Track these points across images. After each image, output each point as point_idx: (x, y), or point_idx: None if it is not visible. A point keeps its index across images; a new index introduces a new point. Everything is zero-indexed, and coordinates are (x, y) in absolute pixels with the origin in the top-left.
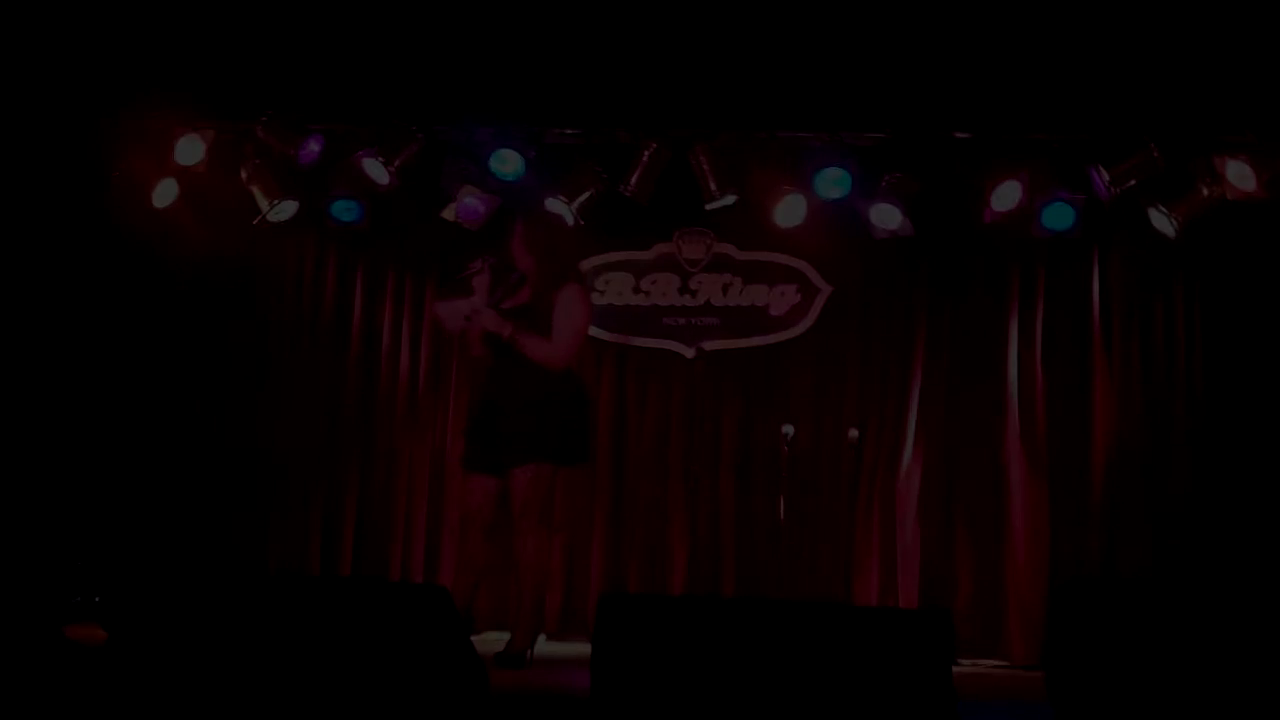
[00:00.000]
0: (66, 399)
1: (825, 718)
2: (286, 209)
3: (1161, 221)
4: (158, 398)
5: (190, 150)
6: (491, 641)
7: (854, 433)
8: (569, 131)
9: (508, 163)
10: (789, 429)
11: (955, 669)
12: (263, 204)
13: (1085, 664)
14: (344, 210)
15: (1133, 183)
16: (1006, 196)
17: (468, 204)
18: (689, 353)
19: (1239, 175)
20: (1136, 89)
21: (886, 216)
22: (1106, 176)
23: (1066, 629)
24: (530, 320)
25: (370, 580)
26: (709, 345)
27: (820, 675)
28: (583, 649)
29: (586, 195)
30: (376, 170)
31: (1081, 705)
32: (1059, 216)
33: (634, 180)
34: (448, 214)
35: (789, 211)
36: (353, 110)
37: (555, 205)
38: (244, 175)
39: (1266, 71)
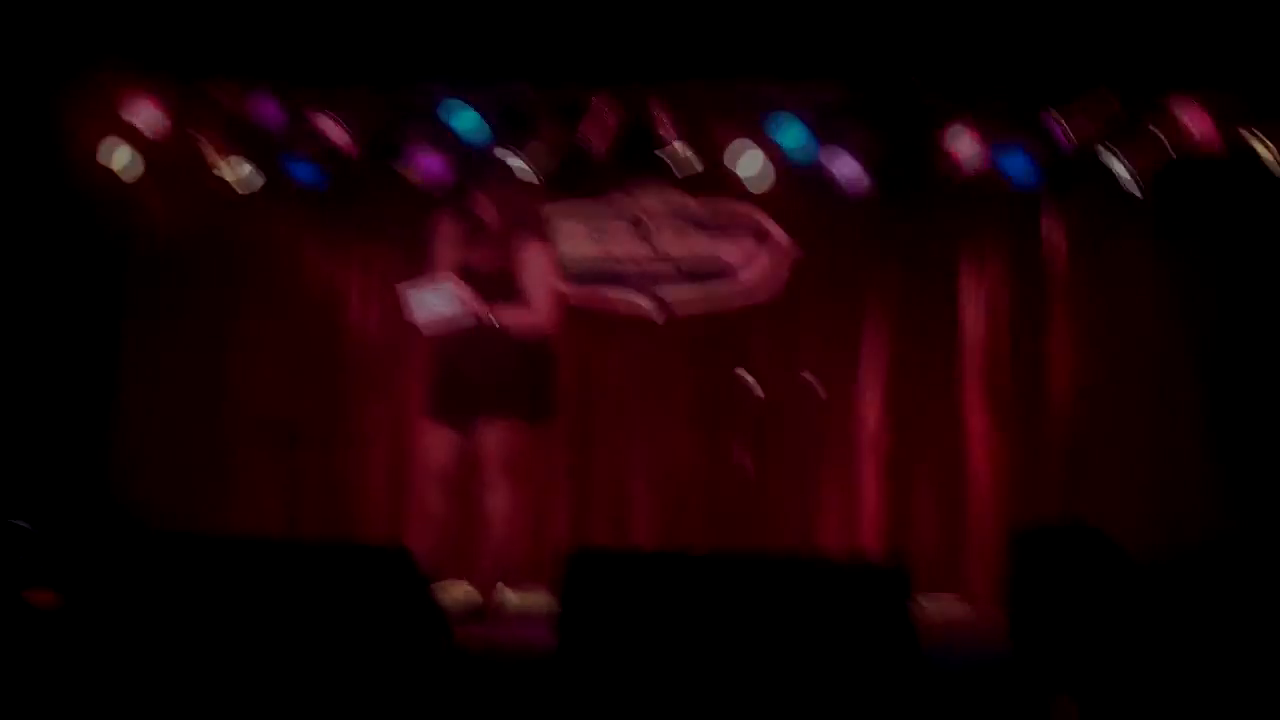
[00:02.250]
0: (31, 363)
1: (793, 669)
2: (245, 171)
3: (1119, 168)
4: (121, 362)
5: (145, 114)
6: (451, 591)
7: (810, 378)
8: (527, 87)
9: (466, 121)
10: (746, 375)
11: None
12: (220, 166)
13: (1046, 610)
14: (303, 172)
15: (1090, 131)
16: (963, 146)
17: (427, 163)
18: (647, 303)
19: (1196, 124)
20: (1095, 39)
21: (844, 168)
22: (1064, 124)
23: (1027, 575)
24: (498, 281)
25: (334, 543)
26: (667, 296)
27: (785, 627)
28: (546, 601)
29: (544, 152)
30: (336, 131)
31: (1040, 648)
32: (1018, 167)
33: (591, 135)
34: (408, 174)
35: (746, 162)
36: (312, 72)
37: (512, 161)
38: (200, 138)
39: (1226, 20)
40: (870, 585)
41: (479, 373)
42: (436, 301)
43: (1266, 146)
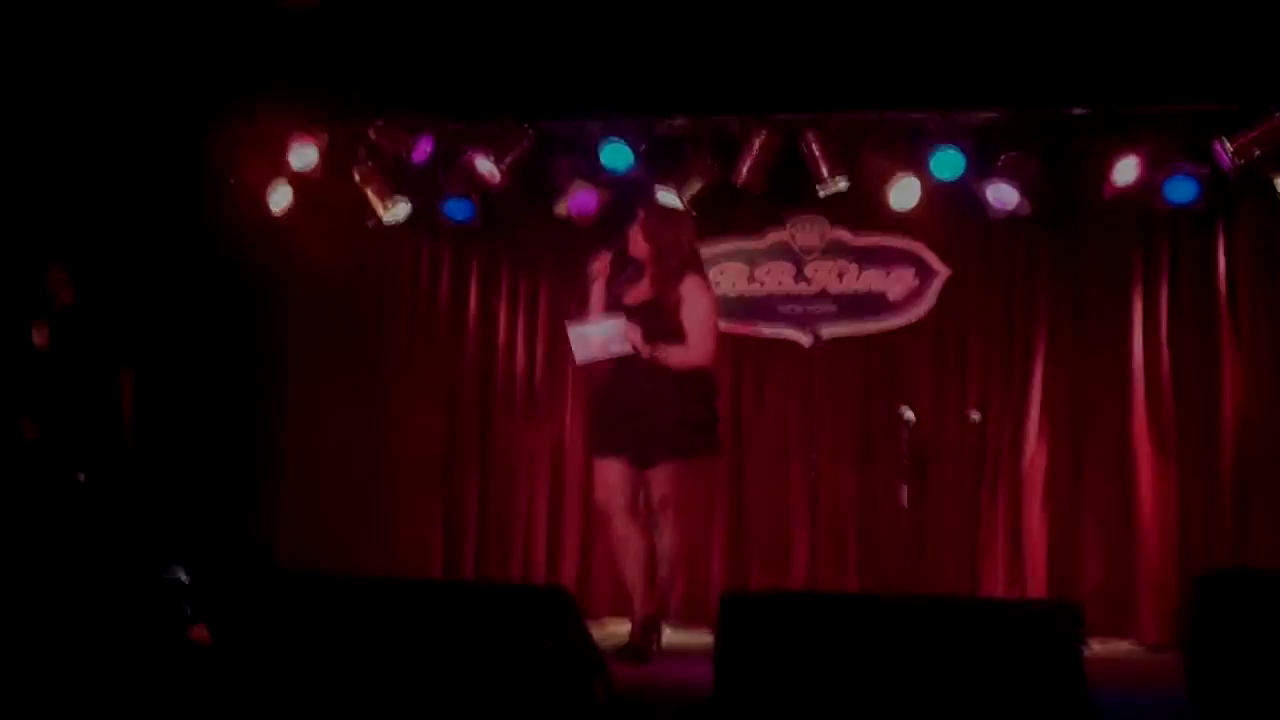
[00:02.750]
0: (193, 406)
1: (956, 713)
2: (400, 210)
3: None
4: (279, 402)
5: (304, 155)
6: (611, 635)
7: (975, 415)
8: (678, 122)
9: (618, 156)
10: (910, 415)
11: (1086, 653)
12: (377, 206)
13: (1226, 656)
14: (457, 209)
15: (1258, 153)
16: (1127, 171)
17: (579, 199)
18: (806, 341)
19: None
20: (1259, 57)
21: (1004, 196)
22: (1230, 147)
23: (1207, 620)
24: (655, 317)
25: (491, 584)
26: (826, 332)
27: (949, 671)
28: (704, 640)
29: (698, 185)
30: (488, 168)
31: (1222, 698)
32: (1182, 190)
33: (745, 169)
34: (560, 209)
35: (903, 194)
36: (463, 108)
37: (667, 197)
38: (357, 177)
39: None
40: (1038, 626)
41: (645, 410)
42: (601, 337)
43: None
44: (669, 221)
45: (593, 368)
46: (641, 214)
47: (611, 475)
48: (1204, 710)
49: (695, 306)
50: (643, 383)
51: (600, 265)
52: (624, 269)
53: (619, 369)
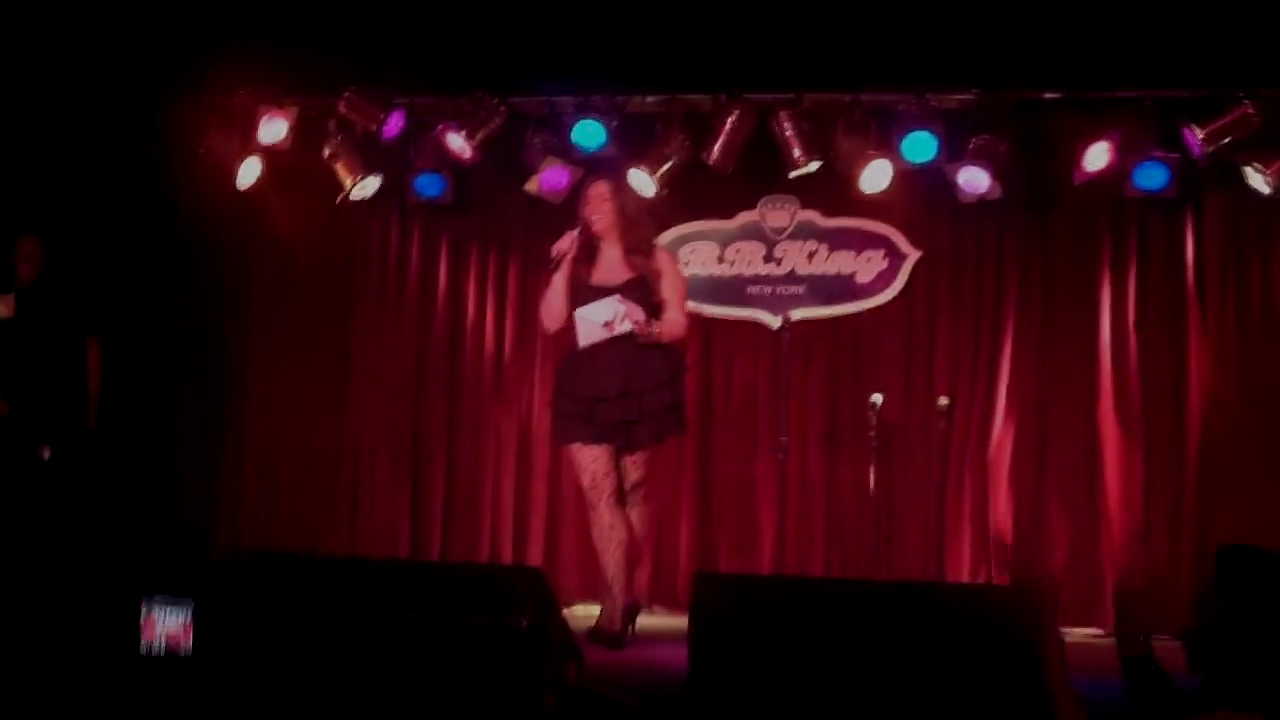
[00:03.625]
0: (154, 384)
1: (925, 696)
2: (370, 185)
3: (1257, 180)
4: (243, 379)
5: (274, 128)
6: (581, 617)
7: (943, 400)
8: (650, 99)
9: (590, 134)
10: (877, 398)
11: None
12: (346, 181)
13: (1239, 632)
14: (427, 184)
15: (1227, 141)
16: (1097, 157)
17: (551, 176)
18: (775, 322)
19: None
20: (1229, 42)
21: (974, 180)
22: (1200, 134)
23: (1222, 596)
24: (643, 293)
25: (464, 565)
26: (795, 314)
27: (919, 653)
28: (673, 622)
29: (669, 164)
30: (459, 144)
31: (1232, 672)
32: (1151, 176)
33: (716, 148)
34: (531, 186)
35: (875, 177)
36: (434, 83)
37: (638, 176)
38: (327, 152)
39: None
40: (1007, 609)
41: (634, 393)
42: (605, 319)
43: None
44: (629, 191)
45: (564, 349)
46: (604, 186)
47: (598, 462)
48: (1212, 684)
49: (674, 277)
50: (630, 363)
51: (567, 244)
52: (591, 247)
53: (595, 352)
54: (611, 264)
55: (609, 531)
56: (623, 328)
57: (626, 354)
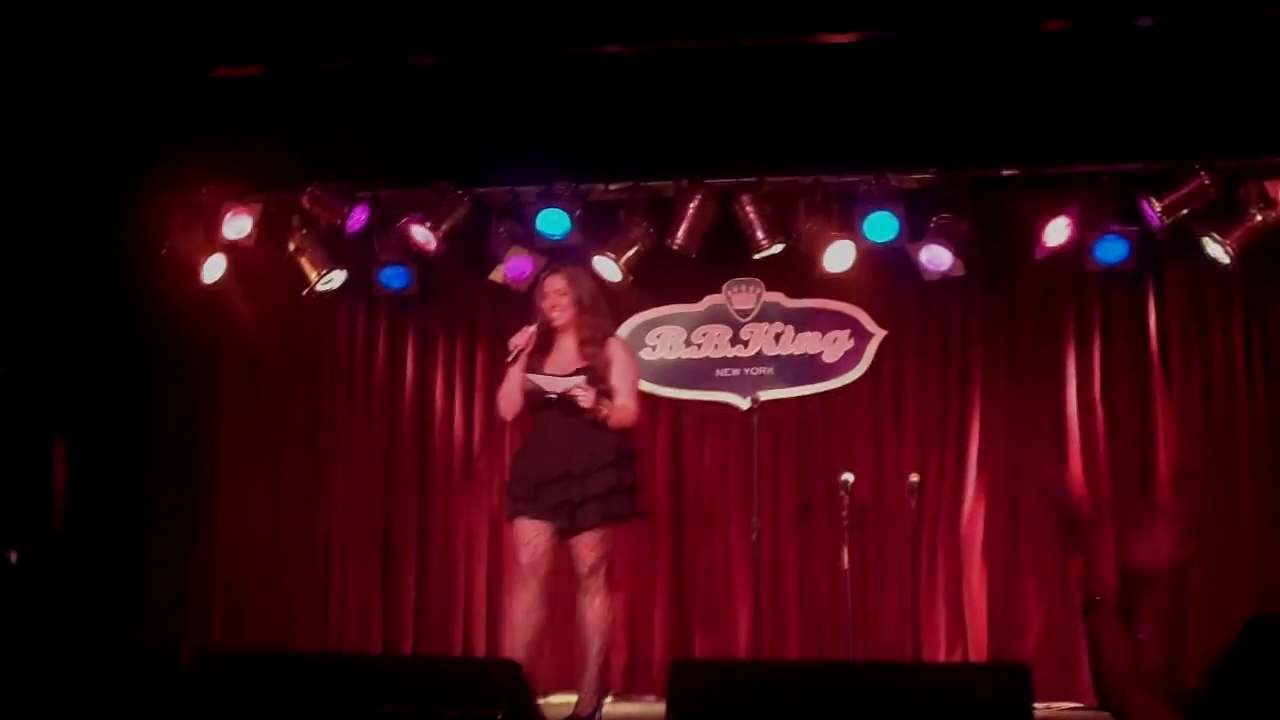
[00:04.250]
0: (122, 482)
1: None
2: (335, 278)
3: (1216, 249)
4: (212, 475)
5: (238, 225)
6: (557, 705)
7: (914, 477)
8: (613, 186)
9: (554, 222)
10: (848, 477)
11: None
12: (311, 275)
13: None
14: (393, 277)
15: (1185, 212)
16: (1058, 232)
17: (516, 265)
18: (744, 404)
19: None
20: (1184, 115)
21: (937, 258)
22: (1158, 207)
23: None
24: (594, 381)
25: (441, 659)
26: (764, 395)
27: None
28: (649, 709)
29: (634, 250)
30: (423, 235)
31: None
32: (1112, 250)
33: (680, 233)
34: (496, 276)
35: (838, 257)
36: (397, 175)
37: (604, 263)
38: (291, 247)
39: None
40: (986, 688)
41: (578, 474)
42: (556, 387)
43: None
44: (584, 282)
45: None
46: (561, 281)
47: (539, 538)
48: None
49: (625, 366)
50: (574, 446)
51: (524, 339)
52: (549, 338)
53: (544, 432)
54: (565, 353)
55: (528, 615)
56: (573, 393)
57: (573, 435)
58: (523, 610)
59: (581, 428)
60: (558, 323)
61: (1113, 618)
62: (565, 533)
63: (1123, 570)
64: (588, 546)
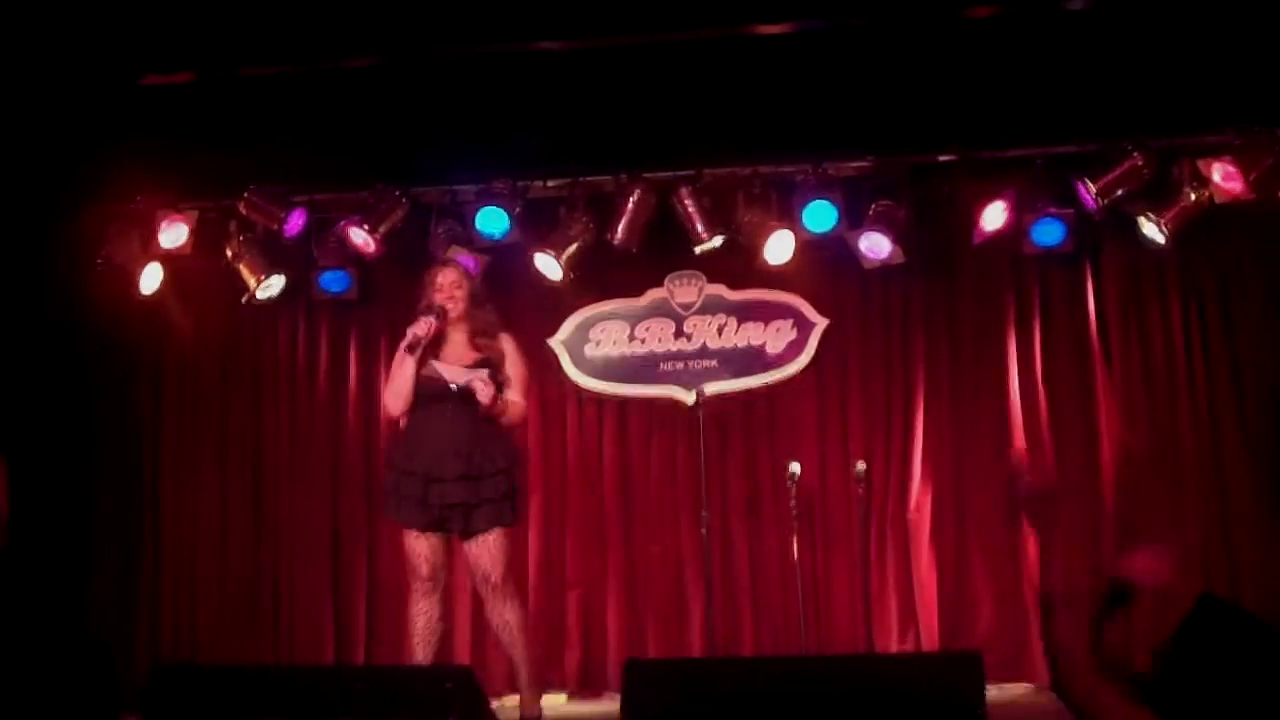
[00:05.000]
0: (66, 497)
1: None
2: (274, 285)
3: (1151, 229)
4: (155, 487)
5: (174, 233)
6: (511, 708)
7: (860, 466)
8: (552, 183)
9: (494, 221)
10: (795, 468)
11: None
12: (250, 282)
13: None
14: (333, 281)
15: (1120, 193)
16: (995, 217)
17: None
18: (689, 398)
19: (1225, 177)
20: (1116, 96)
21: (876, 245)
22: (1093, 188)
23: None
24: (491, 374)
25: (397, 668)
26: (709, 388)
27: None
28: (605, 707)
29: (575, 247)
30: (362, 238)
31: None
32: (1049, 232)
33: (620, 228)
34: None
35: (778, 248)
36: (334, 178)
37: (544, 260)
38: (229, 254)
39: (1245, 69)
40: (939, 678)
41: (472, 478)
42: (457, 379)
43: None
44: (473, 277)
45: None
46: (455, 273)
47: (436, 555)
48: None
49: (517, 360)
50: (472, 446)
51: (425, 329)
52: (440, 331)
53: (437, 427)
54: (456, 346)
55: (419, 618)
56: (474, 385)
57: (470, 433)
58: (428, 622)
59: (478, 425)
60: (454, 313)
61: (1073, 617)
62: (461, 535)
63: (1113, 582)
64: (489, 559)
